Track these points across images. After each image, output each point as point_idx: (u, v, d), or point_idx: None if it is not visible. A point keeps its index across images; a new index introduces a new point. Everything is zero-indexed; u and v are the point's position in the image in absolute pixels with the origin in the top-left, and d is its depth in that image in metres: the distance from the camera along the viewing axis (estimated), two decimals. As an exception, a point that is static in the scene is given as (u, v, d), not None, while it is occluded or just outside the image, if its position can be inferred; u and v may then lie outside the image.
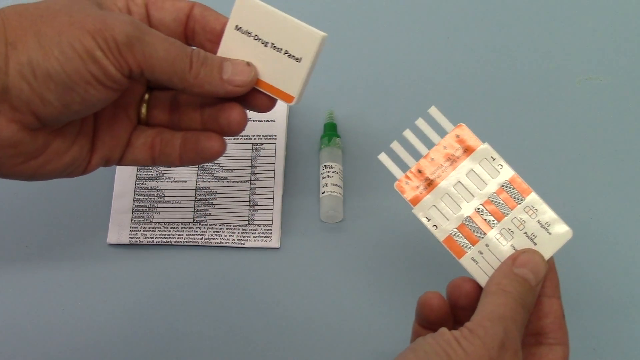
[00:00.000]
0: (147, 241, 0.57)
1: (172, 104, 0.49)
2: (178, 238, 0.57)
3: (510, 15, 0.69)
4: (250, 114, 0.62)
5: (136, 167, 0.60)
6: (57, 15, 0.41)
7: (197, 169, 0.60)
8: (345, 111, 0.63)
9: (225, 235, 0.58)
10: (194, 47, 0.45)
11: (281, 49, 0.46)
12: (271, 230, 0.58)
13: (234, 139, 0.61)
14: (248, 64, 0.46)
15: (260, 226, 0.58)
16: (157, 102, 0.49)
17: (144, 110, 0.49)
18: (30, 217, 0.59)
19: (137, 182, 0.60)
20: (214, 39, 0.47)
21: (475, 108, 0.64)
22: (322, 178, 0.59)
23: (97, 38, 0.41)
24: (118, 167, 0.60)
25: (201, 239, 0.57)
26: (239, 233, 0.58)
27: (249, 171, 0.60)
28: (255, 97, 0.47)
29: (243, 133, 0.61)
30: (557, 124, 0.63)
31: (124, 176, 0.60)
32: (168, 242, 0.57)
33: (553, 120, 0.63)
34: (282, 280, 0.56)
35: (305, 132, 0.63)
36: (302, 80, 0.46)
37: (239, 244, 0.57)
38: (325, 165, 0.59)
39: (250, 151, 0.61)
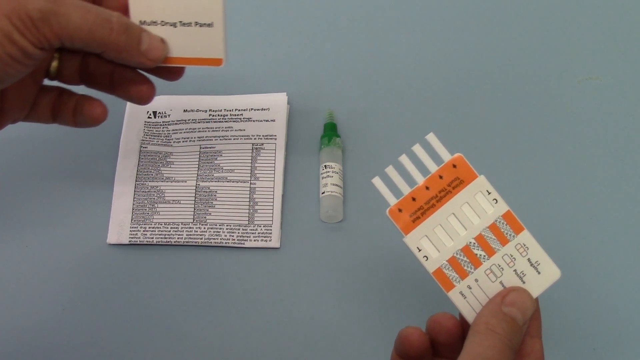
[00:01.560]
0: (147, 241, 0.57)
1: (82, 64, 0.50)
2: (178, 238, 0.57)
3: (511, 15, 0.69)
4: (251, 114, 0.62)
5: (136, 167, 0.60)
6: None
7: (197, 169, 0.60)
8: (345, 111, 0.63)
9: (225, 235, 0.58)
10: (114, 12, 0.46)
11: (190, 23, 0.49)
12: (271, 230, 0.58)
13: (234, 139, 0.61)
14: (162, 40, 0.49)
15: (260, 226, 0.58)
16: (66, 62, 0.50)
17: (55, 64, 0.50)
18: (30, 217, 0.59)
19: (137, 182, 0.60)
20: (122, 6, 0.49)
21: (474, 107, 0.64)
22: (322, 178, 0.59)
23: (12, 19, 0.42)
24: (118, 167, 0.60)
25: (201, 239, 0.57)
26: (239, 233, 0.58)
27: (249, 171, 0.60)
28: (170, 69, 0.51)
29: (243, 133, 0.61)
30: (557, 124, 0.63)
31: (124, 176, 0.60)
32: (168, 242, 0.57)
33: (553, 120, 0.63)
34: (282, 280, 0.56)
35: (305, 132, 0.63)
36: (222, 41, 0.50)
37: (239, 244, 0.57)
38: (325, 165, 0.59)
39: (250, 151, 0.61)
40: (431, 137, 0.43)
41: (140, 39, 0.47)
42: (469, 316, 0.41)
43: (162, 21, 0.49)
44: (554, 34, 0.68)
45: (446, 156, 0.42)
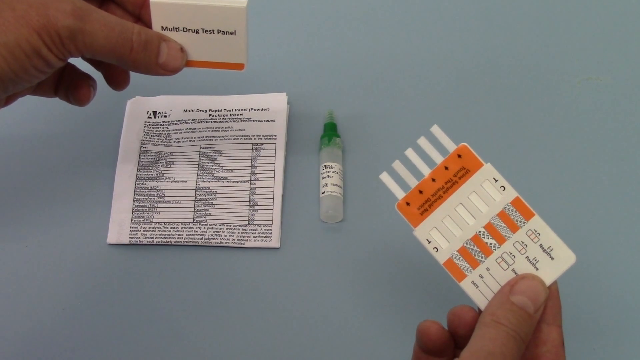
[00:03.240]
0: (147, 241, 0.57)
1: None
2: (178, 238, 0.57)
3: (511, 15, 0.69)
4: (251, 114, 0.62)
5: (136, 167, 0.60)
6: (1, 10, 0.43)
7: (197, 169, 0.60)
8: (345, 111, 0.63)
9: (225, 235, 0.57)
10: (135, 27, 0.48)
11: (213, 30, 0.49)
12: (271, 230, 0.58)
13: (234, 139, 0.61)
14: (182, 49, 0.50)
15: (260, 226, 0.58)
16: None
17: None
18: (30, 217, 0.59)
19: (137, 182, 0.60)
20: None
21: (474, 107, 0.64)
22: (322, 178, 0.59)
23: (42, 35, 0.44)
24: (118, 167, 0.60)
25: (201, 239, 0.57)
26: (239, 233, 0.58)
27: (249, 171, 0.60)
28: (116, 81, 0.54)
29: (243, 133, 0.61)
30: (557, 124, 0.63)
31: (124, 176, 0.60)
32: (168, 242, 0.57)
33: (553, 120, 0.63)
34: (282, 280, 0.56)
35: (305, 132, 0.63)
36: (245, 48, 0.50)
37: (239, 244, 0.57)
38: (325, 165, 0.59)
39: (250, 151, 0.61)
40: (435, 129, 0.43)
41: (159, 52, 0.49)
42: (482, 305, 0.41)
43: (184, 28, 0.50)
44: (554, 34, 0.68)
45: (451, 147, 0.42)
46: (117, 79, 0.53)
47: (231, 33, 0.50)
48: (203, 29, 0.50)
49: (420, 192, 0.42)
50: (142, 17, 0.52)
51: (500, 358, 0.38)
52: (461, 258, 0.42)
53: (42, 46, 0.44)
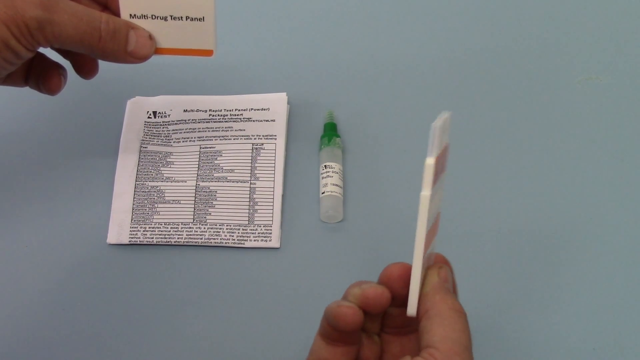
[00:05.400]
0: (147, 241, 0.57)
1: None
2: (178, 238, 0.57)
3: (511, 15, 0.69)
4: (251, 114, 0.62)
5: (136, 167, 0.60)
6: None
7: (197, 169, 0.60)
8: (345, 111, 0.63)
9: (225, 235, 0.58)
10: (103, 16, 0.48)
11: (181, 17, 0.50)
12: (271, 230, 0.58)
13: (234, 139, 0.61)
14: (150, 36, 0.50)
15: (260, 226, 0.58)
16: None
17: None
18: (30, 217, 0.59)
19: (137, 182, 0.60)
20: None
21: (474, 107, 0.64)
22: (322, 178, 0.59)
23: (10, 26, 0.44)
24: (118, 167, 0.60)
25: (201, 239, 0.57)
26: (239, 233, 0.58)
27: (249, 171, 0.60)
28: (84, 69, 0.54)
29: (243, 133, 0.61)
30: (557, 124, 0.63)
31: (124, 176, 0.60)
32: (168, 242, 0.57)
33: (553, 120, 0.63)
34: (282, 280, 0.56)
35: (305, 132, 0.63)
36: (213, 33, 0.51)
37: (239, 244, 0.57)
38: (325, 165, 0.59)
39: (250, 151, 0.61)
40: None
41: (127, 40, 0.49)
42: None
43: (153, 15, 0.50)
44: (554, 34, 0.68)
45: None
46: (85, 68, 0.54)
47: (200, 19, 0.50)
48: (171, 16, 0.50)
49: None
50: (109, 5, 0.52)
51: (470, 351, 0.37)
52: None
53: (10, 38, 0.44)
